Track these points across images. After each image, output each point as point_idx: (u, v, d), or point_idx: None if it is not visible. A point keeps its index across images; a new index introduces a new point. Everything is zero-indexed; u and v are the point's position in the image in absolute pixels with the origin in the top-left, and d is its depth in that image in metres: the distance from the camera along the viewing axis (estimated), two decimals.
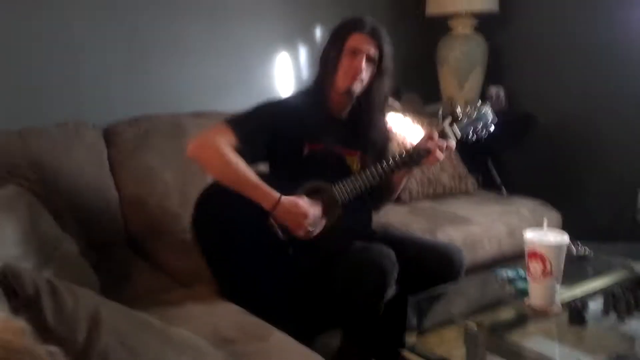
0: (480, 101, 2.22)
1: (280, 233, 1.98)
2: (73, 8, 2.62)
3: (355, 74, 2.06)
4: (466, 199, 3.06)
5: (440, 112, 2.20)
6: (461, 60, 3.47)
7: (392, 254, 1.93)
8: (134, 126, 2.57)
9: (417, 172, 2.95)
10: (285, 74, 3.27)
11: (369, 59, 2.07)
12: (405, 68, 3.65)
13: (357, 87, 2.09)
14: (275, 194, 1.94)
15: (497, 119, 2.21)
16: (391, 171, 2.07)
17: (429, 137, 2.09)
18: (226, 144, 1.97)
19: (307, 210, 1.95)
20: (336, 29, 2.15)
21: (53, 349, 1.10)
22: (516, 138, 3.54)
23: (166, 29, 2.88)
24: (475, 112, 2.17)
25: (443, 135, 2.10)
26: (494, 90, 3.52)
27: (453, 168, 3.12)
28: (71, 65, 2.64)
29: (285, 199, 1.94)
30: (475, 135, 2.17)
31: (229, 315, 1.77)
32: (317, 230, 1.98)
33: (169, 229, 2.48)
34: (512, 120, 3.50)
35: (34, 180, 2.01)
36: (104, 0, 2.69)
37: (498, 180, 3.54)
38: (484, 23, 3.53)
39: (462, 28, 3.51)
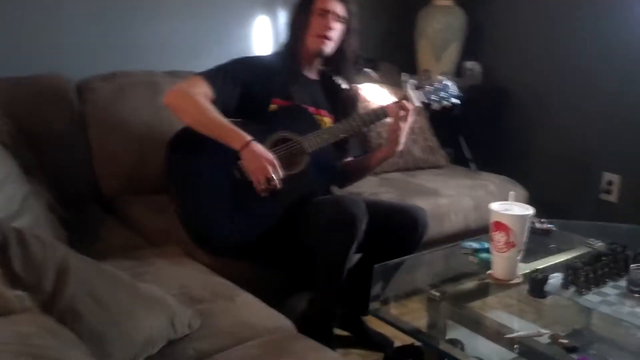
0: (447, 75, 2.35)
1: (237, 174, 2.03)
2: None
3: (325, 33, 2.15)
4: (436, 172, 3.11)
5: (403, 77, 2.23)
6: (440, 32, 3.49)
7: (362, 203, 1.98)
8: (109, 81, 2.53)
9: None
10: (263, 36, 3.25)
11: (338, 18, 2.17)
12: (384, 38, 3.66)
13: (328, 47, 2.19)
14: (247, 136, 1.99)
15: (461, 93, 2.30)
16: (360, 124, 2.14)
17: (397, 99, 2.18)
18: (200, 93, 2.05)
19: (272, 160, 1.98)
20: None
21: (19, 293, 1.11)
22: (490, 113, 3.57)
23: None
24: (438, 83, 2.25)
25: (406, 98, 2.18)
26: (469, 64, 3.54)
27: (424, 141, 3.15)
28: (47, 20, 2.60)
29: (255, 143, 1.99)
30: (438, 104, 2.25)
31: (198, 275, 1.79)
32: (275, 181, 1.99)
33: (141, 187, 2.48)
34: (486, 95, 3.54)
35: (4, 132, 1.97)
36: None
37: (468, 155, 3.58)
38: None
39: (442, 0, 3.51)
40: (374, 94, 3.08)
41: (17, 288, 1.13)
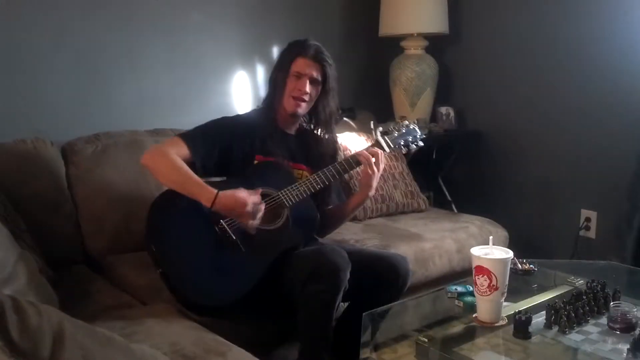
0: (407, 120, 2.48)
1: (231, 233, 2.07)
2: (30, 25, 2.62)
3: (300, 95, 2.24)
4: (418, 216, 3.16)
5: (372, 124, 2.34)
6: (413, 80, 3.59)
7: (344, 253, 2.02)
8: (92, 143, 2.58)
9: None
10: (242, 91, 3.32)
11: (313, 81, 2.26)
12: (359, 87, 3.76)
13: (302, 109, 2.28)
14: (213, 190, 2.03)
15: (424, 135, 2.45)
16: (332, 176, 2.21)
17: (367, 147, 2.30)
18: (175, 153, 2.11)
19: (244, 197, 2.02)
20: (283, 53, 2.35)
21: None
22: (466, 156, 3.65)
23: (123, 46, 2.90)
24: (404, 128, 2.37)
25: (376, 144, 2.31)
26: (444, 109, 3.63)
27: (405, 186, 3.21)
28: (29, 83, 2.65)
29: (223, 193, 2.03)
30: (406, 147, 2.38)
31: (188, 332, 1.80)
32: (258, 215, 2.04)
33: (127, 246, 2.49)
34: (461, 138, 3.62)
35: None
36: (61, 18, 2.70)
37: (449, 197, 3.65)
38: (435, 44, 3.66)
39: (414, 49, 3.63)
40: (353, 143, 3.14)
41: (15, 356, 1.15)
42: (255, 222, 2.05)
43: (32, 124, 2.61)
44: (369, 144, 3.11)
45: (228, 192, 2.03)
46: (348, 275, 1.97)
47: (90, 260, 2.49)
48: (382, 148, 2.29)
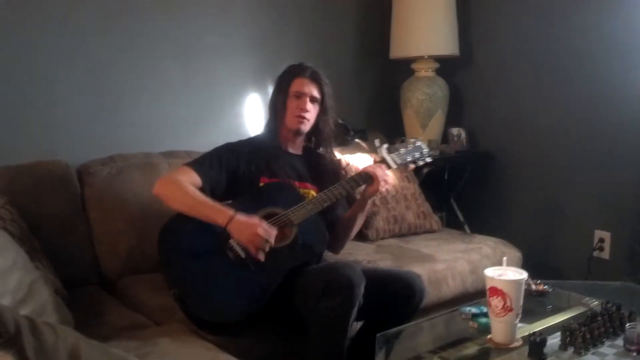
0: (414, 137, 2.53)
1: (240, 251, 2.09)
2: (44, 47, 2.67)
3: (302, 113, 2.30)
4: (430, 236, 3.15)
5: (377, 141, 2.37)
6: (424, 101, 3.60)
7: (357, 268, 2.03)
8: (107, 165, 2.60)
9: (383, 210, 3.04)
10: (255, 113, 3.34)
11: (313, 100, 2.33)
12: (371, 109, 3.78)
13: (305, 127, 2.34)
14: (230, 210, 2.08)
15: (431, 151, 2.50)
16: (340, 194, 2.23)
17: (374, 162, 2.35)
18: (187, 180, 2.16)
19: (259, 225, 2.05)
20: (281, 76, 2.42)
21: None
22: (478, 176, 3.65)
23: (137, 68, 2.93)
24: (410, 145, 2.41)
25: (382, 162, 2.34)
26: (455, 130, 3.64)
27: (417, 207, 3.21)
28: (44, 104, 2.68)
29: (239, 214, 2.07)
30: (413, 164, 2.42)
31: (202, 352, 1.81)
32: (270, 241, 2.06)
33: (141, 267, 2.51)
34: (472, 159, 3.63)
35: (9, 220, 2.03)
36: (74, 39, 2.74)
37: (461, 218, 3.64)
38: (446, 66, 3.67)
39: (425, 71, 3.64)
40: (365, 164, 3.15)
41: None
42: (262, 253, 2.06)
43: (46, 145, 2.64)
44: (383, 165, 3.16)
45: (244, 215, 2.07)
46: (362, 290, 1.97)
47: (104, 281, 2.51)
48: (387, 165, 2.32)
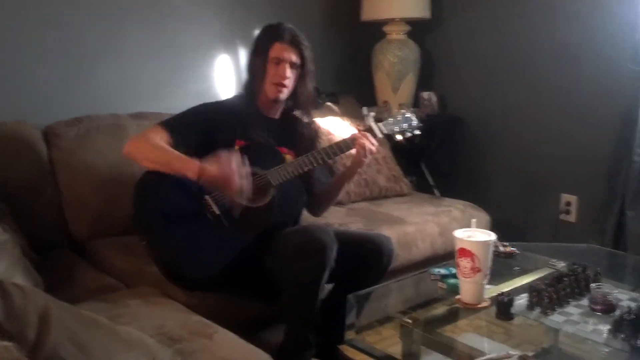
0: (405, 107, 2.47)
1: (214, 207, 2.09)
2: (13, 10, 2.59)
3: (281, 81, 2.24)
4: (401, 200, 3.17)
5: (364, 109, 2.33)
6: (395, 64, 3.60)
7: (330, 231, 2.03)
8: (74, 126, 2.55)
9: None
10: (225, 76, 3.30)
11: (292, 66, 2.26)
12: (342, 72, 3.76)
13: (284, 94, 2.28)
14: (196, 161, 2.03)
15: (421, 123, 2.39)
16: (322, 159, 2.20)
17: (358, 130, 2.28)
18: (157, 138, 2.11)
19: (230, 162, 2.00)
20: (259, 38, 2.33)
21: (7, 343, 1.12)
22: (448, 140, 3.67)
23: (105, 31, 2.87)
24: (399, 115, 2.35)
25: (369, 131, 2.28)
26: (426, 94, 3.64)
27: (388, 170, 3.22)
28: (10, 66, 2.62)
29: (206, 160, 2.03)
30: (401, 135, 2.34)
31: (174, 315, 1.80)
32: (246, 178, 2.03)
33: (111, 230, 2.49)
34: (443, 123, 3.64)
35: None
36: (42, 2, 2.67)
37: (431, 182, 3.67)
38: (417, 29, 3.67)
39: (396, 34, 3.63)
40: (336, 127, 3.15)
41: (0, 338, 1.14)
42: (245, 185, 2.02)
43: (12, 107, 2.57)
44: (354, 128, 3.16)
45: (210, 158, 2.03)
46: (335, 254, 1.99)
47: (73, 244, 2.48)
48: (373, 134, 2.27)
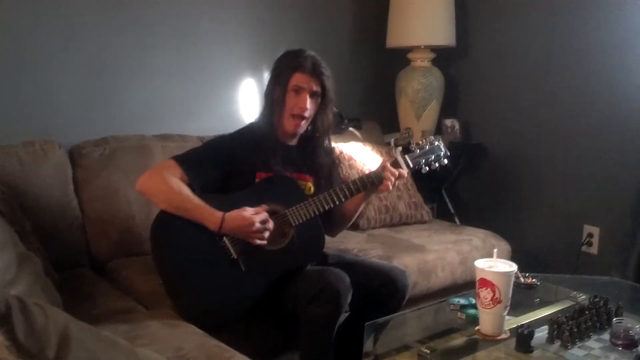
0: (433, 136, 2.33)
1: (232, 251, 2.05)
2: (40, 27, 2.64)
3: (300, 113, 2.18)
4: (421, 227, 3.16)
5: (392, 141, 2.29)
6: (419, 91, 3.60)
7: (346, 277, 2.02)
8: (100, 146, 2.60)
9: (374, 199, 3.05)
10: (250, 99, 3.33)
11: (312, 95, 2.20)
12: (366, 98, 3.77)
13: (302, 128, 2.23)
14: (219, 213, 2.02)
15: (449, 153, 2.31)
16: (345, 196, 2.15)
17: (382, 166, 2.18)
18: (173, 175, 2.06)
19: (251, 218, 2.01)
20: (278, 66, 2.26)
21: None
22: (470, 168, 3.66)
23: (132, 50, 2.92)
24: (428, 145, 2.26)
25: (395, 164, 2.19)
26: (449, 122, 3.64)
27: (409, 197, 3.22)
28: (37, 84, 2.66)
29: (229, 214, 2.02)
30: (427, 167, 2.26)
31: (192, 338, 1.81)
32: (268, 233, 2.04)
33: (132, 250, 2.51)
34: (466, 151, 3.63)
35: (1, 199, 2.02)
36: (70, 20, 2.72)
37: (452, 210, 3.66)
38: (442, 56, 3.67)
39: (421, 61, 3.64)
40: (359, 152, 3.16)
41: (21, 357, 1.15)
42: (263, 242, 2.04)
43: (40, 126, 2.63)
44: (376, 155, 3.16)
45: (234, 213, 2.02)
46: (349, 299, 2.00)
47: (94, 264, 2.50)
48: (400, 166, 2.18)
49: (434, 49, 3.62)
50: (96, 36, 2.80)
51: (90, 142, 2.61)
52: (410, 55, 3.66)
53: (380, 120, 3.69)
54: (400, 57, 3.71)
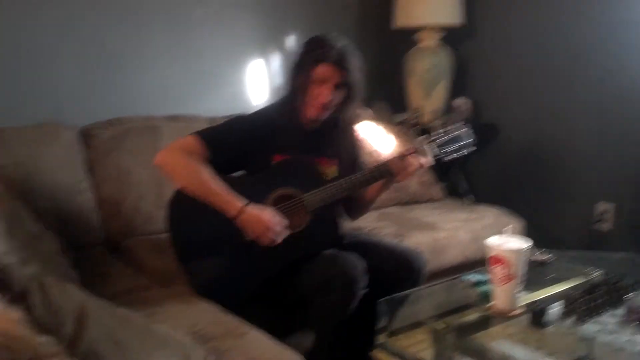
0: (462, 121, 2.21)
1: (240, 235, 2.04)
2: (48, 12, 2.64)
3: (323, 103, 2.10)
4: (433, 205, 3.17)
5: (406, 118, 2.21)
6: (428, 71, 3.57)
7: (360, 263, 1.98)
8: (110, 127, 2.60)
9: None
10: (258, 80, 3.32)
11: (336, 87, 2.10)
12: (373, 79, 3.73)
13: (324, 116, 2.15)
14: (239, 203, 1.97)
15: (475, 140, 2.20)
16: (365, 182, 2.11)
17: (404, 153, 2.12)
18: (194, 153, 2.02)
19: (270, 223, 1.97)
20: (304, 52, 2.15)
21: (45, 338, 1.14)
22: (482, 147, 3.63)
23: (141, 33, 2.91)
24: (456, 131, 2.17)
25: (419, 152, 2.12)
26: (460, 101, 3.62)
27: (421, 175, 3.21)
28: (47, 67, 2.67)
29: (251, 209, 1.97)
30: (452, 156, 2.17)
31: (207, 314, 1.82)
32: (279, 239, 2.01)
33: (145, 229, 2.52)
34: (477, 130, 3.60)
35: (14, 180, 2.03)
36: (80, 4, 2.72)
37: (464, 188, 3.64)
38: (450, 35, 3.64)
39: (429, 40, 3.61)
40: (370, 132, 3.14)
41: (40, 333, 1.17)
42: (274, 244, 2.01)
43: (49, 108, 2.63)
44: (389, 134, 3.13)
45: (255, 211, 1.97)
46: (363, 285, 1.96)
47: (108, 243, 2.51)
48: (423, 156, 2.12)
49: (442, 28, 3.58)
50: (105, 18, 2.79)
51: (100, 123, 2.61)
52: (418, 35, 3.63)
53: (388, 101, 3.66)
54: (408, 38, 3.68)
